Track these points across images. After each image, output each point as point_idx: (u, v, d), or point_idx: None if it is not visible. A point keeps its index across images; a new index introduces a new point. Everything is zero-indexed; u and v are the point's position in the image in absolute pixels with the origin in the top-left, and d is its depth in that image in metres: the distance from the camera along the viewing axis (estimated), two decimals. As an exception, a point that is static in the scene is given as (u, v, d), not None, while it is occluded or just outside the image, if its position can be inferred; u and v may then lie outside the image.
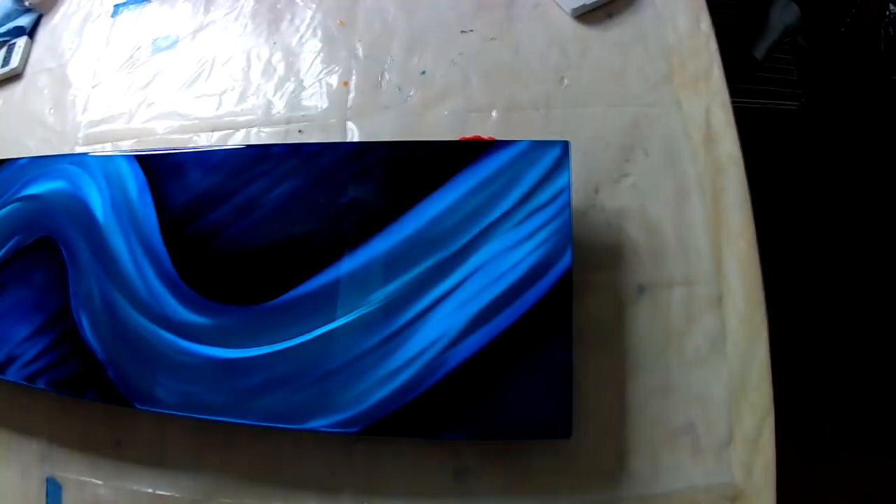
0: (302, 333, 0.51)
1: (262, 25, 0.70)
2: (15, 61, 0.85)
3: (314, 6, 0.69)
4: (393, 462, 0.51)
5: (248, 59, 0.68)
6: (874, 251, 0.85)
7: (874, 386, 0.87)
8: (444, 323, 0.48)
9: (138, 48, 0.75)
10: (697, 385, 0.51)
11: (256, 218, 0.56)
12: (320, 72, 0.65)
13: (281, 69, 0.66)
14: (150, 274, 0.58)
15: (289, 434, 0.53)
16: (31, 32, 0.87)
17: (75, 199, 0.64)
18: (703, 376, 0.51)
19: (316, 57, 0.66)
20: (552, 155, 0.52)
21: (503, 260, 0.49)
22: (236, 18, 0.72)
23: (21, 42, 0.86)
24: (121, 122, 0.72)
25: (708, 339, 0.52)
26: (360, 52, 0.64)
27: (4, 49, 0.88)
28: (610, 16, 0.63)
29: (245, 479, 0.54)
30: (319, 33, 0.67)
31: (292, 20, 0.69)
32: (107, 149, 0.73)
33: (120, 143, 0.71)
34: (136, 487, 0.56)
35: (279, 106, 0.64)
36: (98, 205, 0.63)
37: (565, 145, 0.52)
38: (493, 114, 0.59)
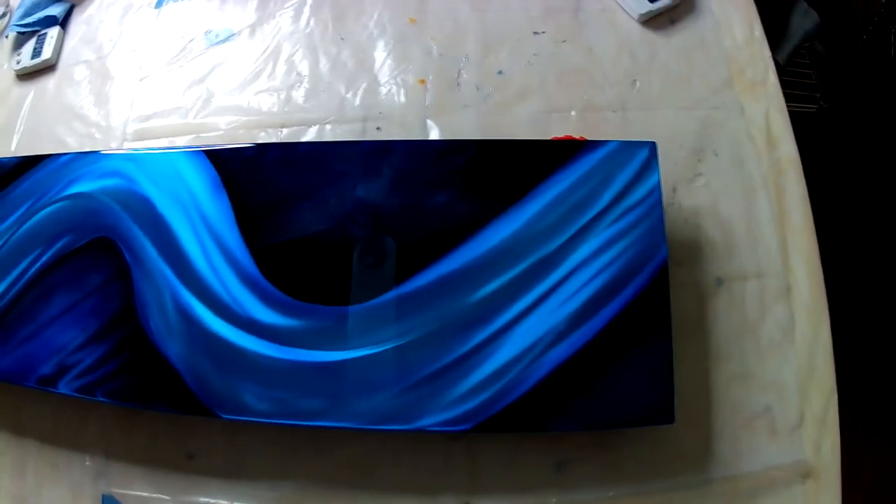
0: (402, 334, 0.51)
1: (327, 21, 0.70)
2: (47, 52, 0.81)
3: (381, 4, 0.69)
4: (494, 459, 0.52)
5: (315, 55, 0.68)
6: (885, 252, 0.91)
7: (888, 374, 0.94)
8: (548, 319, 0.50)
9: (191, 40, 0.73)
10: (771, 371, 0.55)
11: (346, 216, 0.56)
12: (394, 69, 0.65)
13: (351, 66, 0.66)
14: (230, 275, 0.56)
15: (381, 437, 0.54)
16: (62, 23, 0.84)
17: (135, 198, 0.62)
18: (776, 363, 0.55)
19: (388, 54, 0.66)
20: (641, 155, 0.54)
21: (601, 257, 0.52)
22: (296, 12, 0.71)
23: (53, 32, 0.82)
24: (175, 117, 0.70)
25: (779, 328, 0.56)
26: (435, 51, 0.65)
27: (34, 39, 0.83)
28: (672, 22, 0.66)
29: (333, 485, 0.54)
30: (389, 30, 0.67)
31: (359, 17, 0.69)
32: (160, 144, 0.71)
33: (176, 139, 0.69)
34: (209, 500, 0.55)
35: (353, 103, 0.64)
36: (163, 203, 0.61)
37: (653, 146, 0.54)
38: (573, 114, 0.61)
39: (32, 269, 0.62)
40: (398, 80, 0.64)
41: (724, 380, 0.54)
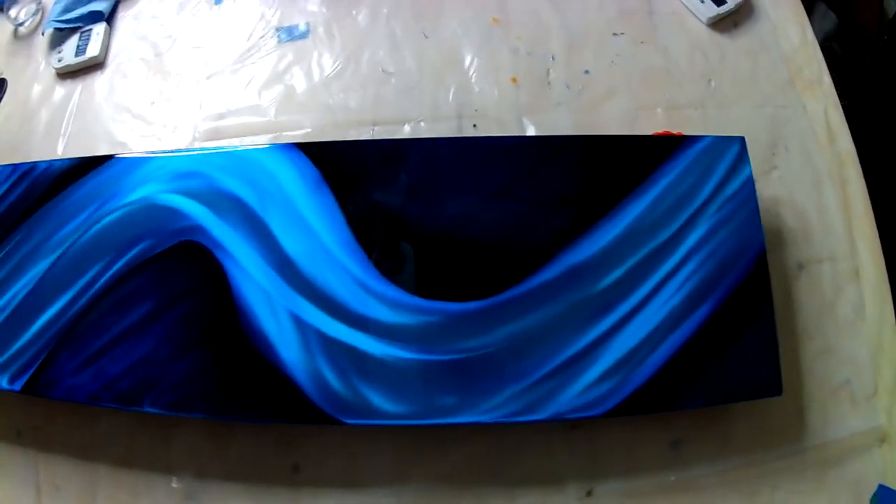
0: (531, 326, 0.52)
1: (407, 19, 0.70)
2: (94, 50, 0.79)
3: (461, 2, 0.70)
4: (613, 444, 0.55)
5: (400, 52, 0.69)
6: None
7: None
8: (666, 305, 0.53)
9: (261, 37, 0.72)
10: (848, 346, 0.60)
11: (462, 211, 0.56)
12: (484, 67, 0.67)
13: (439, 63, 0.67)
14: (343, 275, 0.55)
15: (504, 432, 0.55)
16: (108, 18, 0.80)
17: (224, 198, 0.60)
18: (851, 339, 0.60)
19: (476, 52, 0.67)
20: (734, 149, 0.58)
21: (707, 245, 0.55)
22: (373, 10, 0.72)
23: (100, 29, 0.80)
24: (252, 115, 0.69)
25: (852, 307, 0.61)
26: (522, 50, 0.67)
27: (77, 36, 0.80)
28: (735, 25, 0.71)
29: (458, 484, 0.54)
30: (473, 29, 0.69)
31: (439, 15, 0.70)
32: (235, 144, 0.69)
33: (254, 139, 0.68)
34: (322, 511, 0.53)
35: (446, 100, 0.65)
36: (256, 202, 0.59)
37: (742, 140, 0.58)
38: (658, 111, 0.64)
39: (104, 278, 0.58)
40: (489, 78, 0.66)
41: (810, 356, 0.59)
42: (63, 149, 0.74)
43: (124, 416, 0.57)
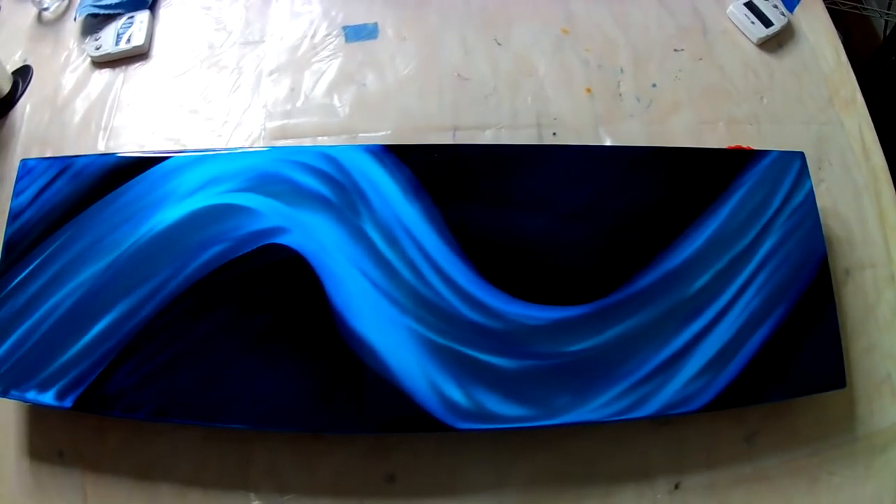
0: (634, 327, 0.54)
1: (477, 25, 0.71)
2: (139, 38, 0.75)
3: (529, 12, 0.72)
4: (695, 440, 0.58)
5: (473, 58, 0.70)
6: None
7: None
8: (749, 306, 0.57)
9: (326, 35, 0.71)
10: (888, 344, 0.66)
11: (562, 217, 0.57)
12: (557, 77, 0.69)
13: (514, 71, 0.69)
14: (448, 281, 0.55)
15: (596, 430, 0.57)
16: (151, 6, 0.77)
17: (313, 200, 0.57)
18: (891, 337, 0.66)
19: (549, 62, 0.69)
20: (796, 163, 0.63)
21: (778, 252, 0.59)
22: (443, 14, 0.72)
23: (143, 17, 0.76)
24: (321, 115, 0.69)
25: (891, 309, 0.67)
26: (592, 62, 0.70)
27: (116, 23, 0.76)
28: (780, 45, 0.76)
29: (555, 484, 0.55)
30: (544, 38, 0.70)
31: (509, 23, 0.71)
32: (304, 143, 0.68)
33: (326, 139, 0.67)
34: (420, 522, 0.53)
35: (525, 108, 0.67)
36: (348, 206, 0.57)
37: (803, 156, 0.63)
38: (720, 125, 0.68)
39: (172, 284, 0.55)
40: (563, 87, 0.68)
41: (858, 352, 0.64)
42: (105, 143, 0.71)
43: (189, 431, 0.55)
